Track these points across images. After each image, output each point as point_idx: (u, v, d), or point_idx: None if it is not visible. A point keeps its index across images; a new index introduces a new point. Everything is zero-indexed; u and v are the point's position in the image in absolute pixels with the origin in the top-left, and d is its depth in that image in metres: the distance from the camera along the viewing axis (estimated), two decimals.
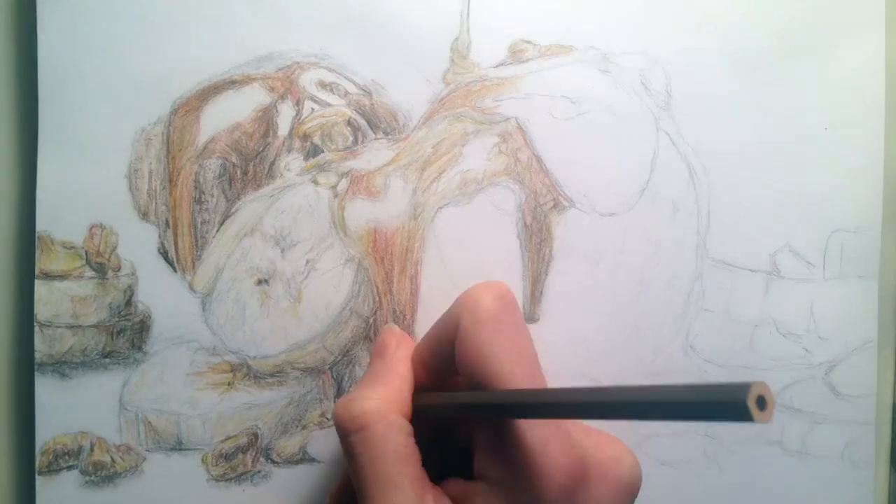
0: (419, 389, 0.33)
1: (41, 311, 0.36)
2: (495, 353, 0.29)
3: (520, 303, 0.38)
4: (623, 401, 0.22)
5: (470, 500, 0.30)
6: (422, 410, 0.32)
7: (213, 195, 0.36)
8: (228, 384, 0.37)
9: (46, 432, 0.36)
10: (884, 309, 0.40)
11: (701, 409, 0.19)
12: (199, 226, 0.36)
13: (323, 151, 0.37)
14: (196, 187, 0.36)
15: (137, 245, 0.36)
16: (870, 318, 0.40)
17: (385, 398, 0.31)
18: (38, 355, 0.36)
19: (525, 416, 0.28)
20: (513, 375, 0.29)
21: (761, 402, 0.18)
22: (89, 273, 0.36)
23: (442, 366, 0.32)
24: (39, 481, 0.36)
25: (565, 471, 0.28)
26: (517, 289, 0.38)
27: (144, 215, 0.36)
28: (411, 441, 0.30)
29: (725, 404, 0.18)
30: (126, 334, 0.36)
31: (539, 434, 0.28)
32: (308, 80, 0.37)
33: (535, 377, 0.30)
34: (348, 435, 0.30)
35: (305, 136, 0.37)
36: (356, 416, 0.30)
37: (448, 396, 0.31)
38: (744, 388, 0.18)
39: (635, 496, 0.31)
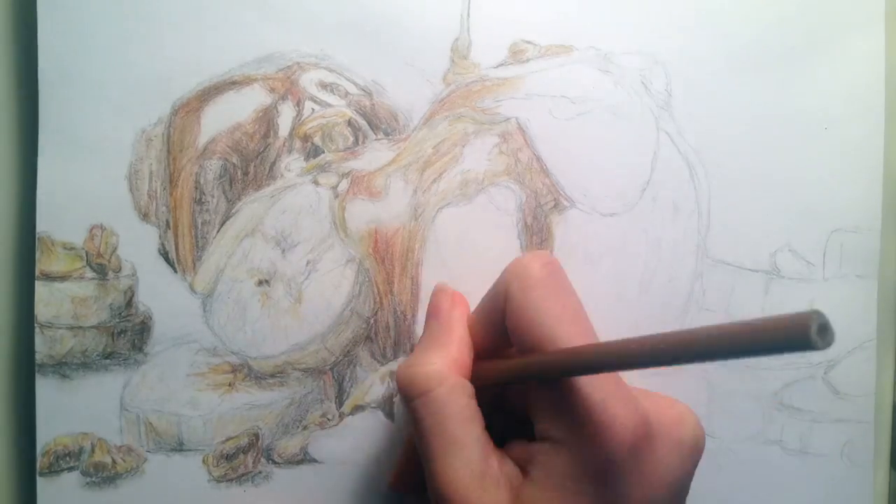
0: (475, 359, 0.33)
1: (41, 312, 0.35)
2: (546, 316, 0.30)
3: None
4: (688, 344, 0.22)
5: (534, 461, 0.30)
6: (481, 377, 0.32)
7: (213, 196, 0.36)
8: (229, 385, 0.37)
9: (47, 433, 0.36)
10: (883, 308, 0.40)
11: (764, 343, 0.20)
12: (199, 226, 0.36)
13: (323, 152, 0.37)
14: (197, 188, 0.36)
15: (138, 246, 0.36)
16: (869, 318, 0.40)
17: (446, 360, 0.31)
18: (38, 356, 0.35)
19: (588, 372, 0.28)
20: (567, 335, 0.29)
21: (822, 331, 0.19)
22: (90, 274, 0.36)
23: (494, 338, 0.32)
24: (40, 482, 0.36)
25: (630, 428, 0.28)
26: None
27: (145, 216, 0.36)
28: (473, 403, 0.31)
29: (790, 335, 0.19)
30: (127, 335, 0.36)
31: (601, 392, 0.28)
32: (308, 80, 0.37)
33: (589, 335, 0.30)
34: (412, 399, 0.31)
35: (306, 137, 0.37)
36: (418, 380, 0.31)
37: (507, 363, 0.31)
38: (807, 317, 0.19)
39: (699, 458, 0.31)
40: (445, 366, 0.31)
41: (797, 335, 0.19)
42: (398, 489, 0.37)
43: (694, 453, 0.31)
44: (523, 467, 0.30)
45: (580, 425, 0.28)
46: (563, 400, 0.29)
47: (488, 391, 0.32)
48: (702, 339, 0.22)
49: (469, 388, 0.31)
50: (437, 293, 0.35)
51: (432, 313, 0.34)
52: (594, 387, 0.28)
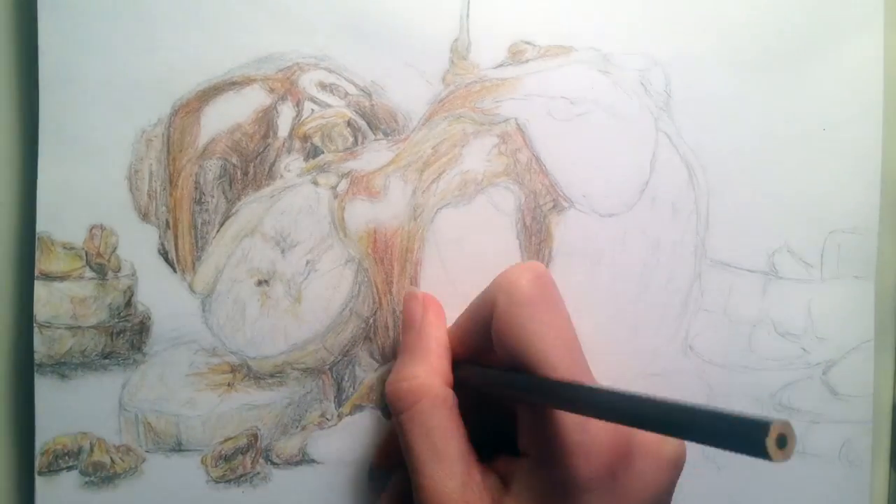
0: (457, 361, 0.34)
1: (41, 311, 0.35)
2: (533, 337, 0.30)
3: None
4: (651, 413, 0.22)
5: (515, 476, 0.30)
6: (462, 383, 0.33)
7: (213, 196, 0.36)
8: (228, 385, 0.37)
9: (46, 433, 0.36)
10: (881, 309, 0.40)
11: (721, 437, 0.19)
12: (199, 226, 0.36)
13: (323, 152, 0.37)
14: (196, 188, 0.36)
15: (137, 246, 0.36)
16: (867, 319, 0.40)
17: (427, 372, 0.32)
18: (37, 356, 0.35)
19: (559, 408, 0.28)
20: (552, 359, 0.29)
21: (782, 441, 0.18)
22: (89, 274, 0.36)
23: (479, 343, 0.32)
24: (39, 482, 0.36)
25: (607, 448, 0.28)
26: None
27: (145, 216, 0.36)
28: (455, 414, 0.31)
29: (744, 439, 0.18)
30: (126, 335, 0.36)
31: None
32: (308, 81, 0.37)
33: (575, 360, 0.30)
34: (398, 414, 0.32)
35: (305, 137, 0.37)
36: (402, 396, 0.32)
37: (487, 373, 0.32)
38: (765, 425, 0.18)
39: (679, 472, 0.31)
40: (428, 377, 0.32)
41: (753, 443, 0.18)
42: (382, 467, 0.37)
43: (675, 468, 0.31)
44: (506, 481, 0.30)
45: (557, 445, 0.29)
46: (544, 418, 0.29)
47: (474, 393, 0.33)
48: (662, 413, 0.22)
49: (451, 399, 0.32)
50: (407, 300, 0.36)
51: (406, 322, 0.35)
52: None
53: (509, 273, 0.32)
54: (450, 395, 0.32)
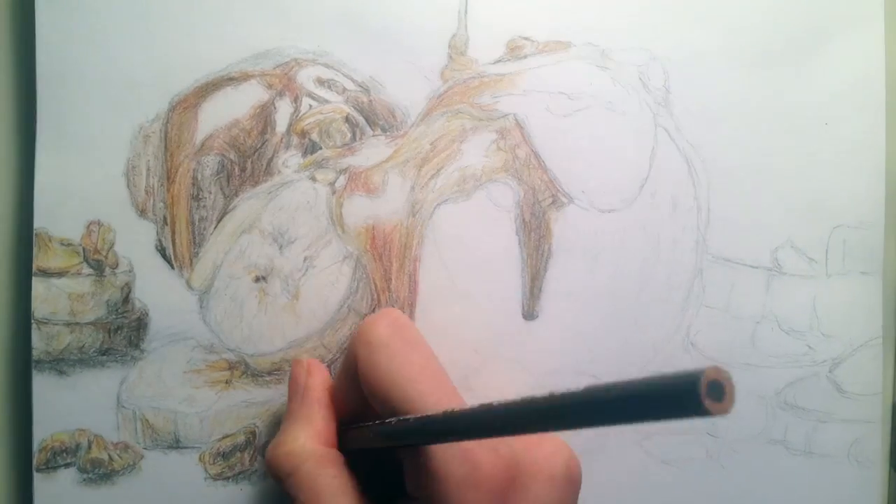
0: (344, 422, 0.33)
1: (38, 308, 0.36)
2: (395, 377, 0.30)
3: (519, 300, 0.38)
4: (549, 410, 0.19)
5: None
6: (353, 442, 0.32)
7: (210, 192, 0.36)
8: (226, 382, 0.37)
9: (44, 430, 0.36)
10: (889, 306, 0.40)
11: (642, 405, 0.16)
12: (196, 223, 0.36)
13: (321, 148, 0.37)
14: (194, 184, 0.36)
15: (135, 242, 0.36)
16: (874, 315, 0.39)
17: (309, 434, 0.32)
18: (35, 353, 0.35)
19: (441, 441, 0.28)
20: (417, 394, 0.29)
21: (716, 391, 0.15)
22: (87, 270, 0.36)
23: (359, 399, 0.32)
24: (37, 479, 0.36)
25: (492, 476, 0.28)
26: (516, 286, 0.38)
27: (142, 212, 0.36)
28: (344, 472, 0.31)
29: (672, 397, 0.15)
30: (123, 332, 0.36)
31: (460, 445, 0.28)
32: (306, 76, 0.37)
33: (441, 390, 0.30)
34: (283, 480, 0.31)
35: (303, 133, 0.37)
36: (284, 459, 0.31)
37: (363, 430, 0.31)
38: (695, 376, 0.15)
39: (576, 489, 0.31)
40: (309, 440, 0.32)
41: (684, 398, 0.15)
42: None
43: (568, 485, 0.31)
44: None
45: (441, 483, 0.28)
46: (423, 457, 0.29)
47: (365, 451, 0.32)
48: (563, 404, 0.19)
49: (336, 457, 0.31)
50: (293, 366, 0.35)
51: (291, 388, 0.35)
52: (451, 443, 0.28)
53: (365, 323, 0.32)
54: (333, 454, 0.31)
